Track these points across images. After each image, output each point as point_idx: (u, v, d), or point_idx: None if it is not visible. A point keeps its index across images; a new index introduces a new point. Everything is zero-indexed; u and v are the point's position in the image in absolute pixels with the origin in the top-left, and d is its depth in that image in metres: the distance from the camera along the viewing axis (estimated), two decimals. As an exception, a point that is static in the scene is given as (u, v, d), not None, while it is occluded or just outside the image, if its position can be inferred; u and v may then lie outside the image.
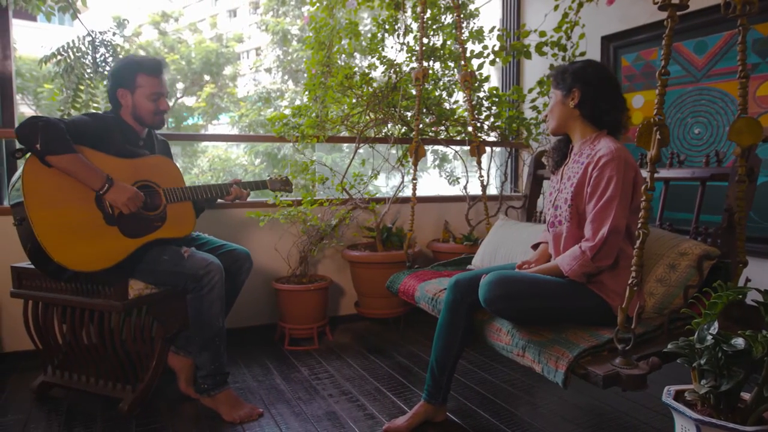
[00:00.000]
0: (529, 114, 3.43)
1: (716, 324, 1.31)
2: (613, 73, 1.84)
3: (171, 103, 12.05)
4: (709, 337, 1.29)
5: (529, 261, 1.98)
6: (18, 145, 1.88)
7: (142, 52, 11.54)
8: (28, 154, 1.87)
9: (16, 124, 2.59)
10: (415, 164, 2.59)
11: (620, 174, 1.62)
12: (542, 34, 3.03)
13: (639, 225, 1.42)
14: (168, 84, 2.24)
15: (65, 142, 1.86)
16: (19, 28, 2.72)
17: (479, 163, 2.80)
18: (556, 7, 3.00)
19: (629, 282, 1.43)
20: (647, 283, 1.80)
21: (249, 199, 2.51)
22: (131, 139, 2.14)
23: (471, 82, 2.74)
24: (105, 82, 2.60)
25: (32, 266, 2.10)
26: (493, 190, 3.69)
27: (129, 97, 2.12)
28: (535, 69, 3.68)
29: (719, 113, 2.65)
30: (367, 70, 3.09)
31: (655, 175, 1.42)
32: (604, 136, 1.76)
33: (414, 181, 2.60)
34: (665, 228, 2.15)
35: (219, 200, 2.34)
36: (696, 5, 2.64)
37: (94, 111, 2.49)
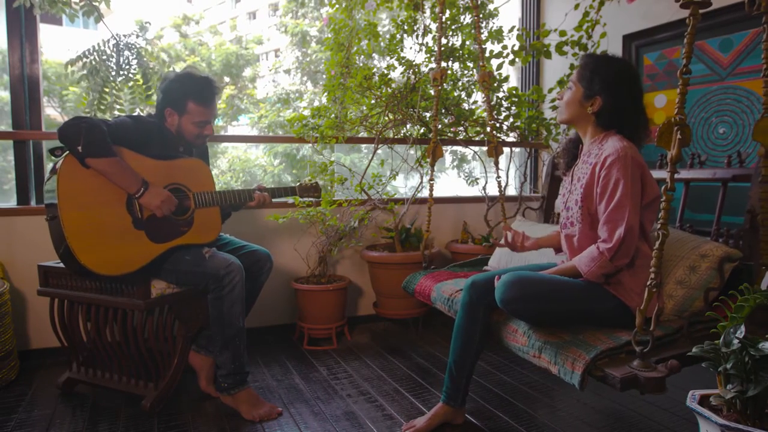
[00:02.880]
0: (549, 114, 3.40)
1: (743, 327, 1.28)
2: (641, 84, 1.79)
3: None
4: (736, 341, 1.27)
5: (524, 235, 1.99)
6: (57, 144, 1.91)
7: (164, 56, 11.69)
8: (66, 153, 1.90)
9: (43, 126, 2.66)
10: (432, 165, 2.58)
11: (627, 173, 1.60)
12: (562, 33, 3.00)
13: (658, 226, 1.40)
14: (217, 107, 2.23)
15: (106, 145, 1.89)
16: (44, 32, 2.78)
17: (497, 164, 2.78)
18: (576, 6, 2.97)
19: (648, 283, 1.41)
20: (667, 285, 1.77)
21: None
22: (171, 145, 2.17)
23: (489, 82, 2.73)
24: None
25: (58, 265, 2.15)
26: (512, 191, 3.66)
27: (176, 118, 2.14)
28: (556, 68, 3.64)
29: (744, 112, 2.59)
30: (385, 71, 3.09)
31: (675, 176, 1.39)
32: (613, 134, 1.73)
33: (431, 182, 2.59)
34: (686, 230, 2.11)
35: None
36: (720, 3, 2.59)
37: (137, 114, 2.51)
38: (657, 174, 2.26)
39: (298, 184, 2.50)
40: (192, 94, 2.11)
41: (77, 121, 1.87)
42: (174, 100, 2.12)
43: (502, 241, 2.02)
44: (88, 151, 1.86)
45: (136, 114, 2.50)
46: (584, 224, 1.73)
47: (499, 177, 2.75)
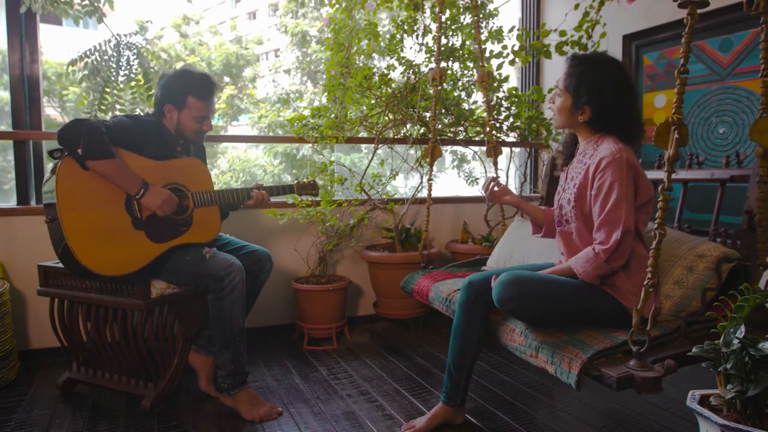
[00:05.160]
0: (549, 114, 3.40)
1: (743, 327, 1.28)
2: (632, 82, 1.78)
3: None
4: (736, 341, 1.27)
5: (504, 188, 2.12)
6: (54, 146, 1.92)
7: (164, 56, 11.69)
8: (65, 155, 1.90)
9: (43, 126, 2.66)
10: (431, 164, 2.58)
11: (622, 175, 1.61)
12: (562, 33, 3.00)
13: (656, 226, 1.40)
14: (215, 104, 2.26)
15: (105, 147, 1.90)
16: (44, 32, 2.78)
17: (495, 164, 2.78)
18: (576, 6, 2.97)
19: (645, 283, 1.41)
20: (664, 285, 1.77)
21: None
22: (169, 144, 2.17)
23: (488, 82, 2.73)
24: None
25: (58, 265, 2.15)
26: (513, 191, 3.66)
27: (175, 114, 2.15)
28: (556, 68, 3.64)
29: (744, 112, 2.60)
30: (385, 71, 3.09)
31: (673, 177, 1.39)
32: (607, 136, 1.73)
33: (429, 182, 2.59)
34: (684, 230, 2.11)
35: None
36: (720, 3, 2.59)
37: (136, 114, 2.51)
38: (655, 174, 2.26)
39: (295, 182, 2.50)
40: (192, 89, 2.14)
41: (76, 123, 1.87)
42: (174, 96, 2.13)
43: (483, 189, 2.13)
44: (88, 153, 1.86)
45: (135, 114, 2.50)
46: (579, 223, 1.75)
47: (497, 177, 2.75)
